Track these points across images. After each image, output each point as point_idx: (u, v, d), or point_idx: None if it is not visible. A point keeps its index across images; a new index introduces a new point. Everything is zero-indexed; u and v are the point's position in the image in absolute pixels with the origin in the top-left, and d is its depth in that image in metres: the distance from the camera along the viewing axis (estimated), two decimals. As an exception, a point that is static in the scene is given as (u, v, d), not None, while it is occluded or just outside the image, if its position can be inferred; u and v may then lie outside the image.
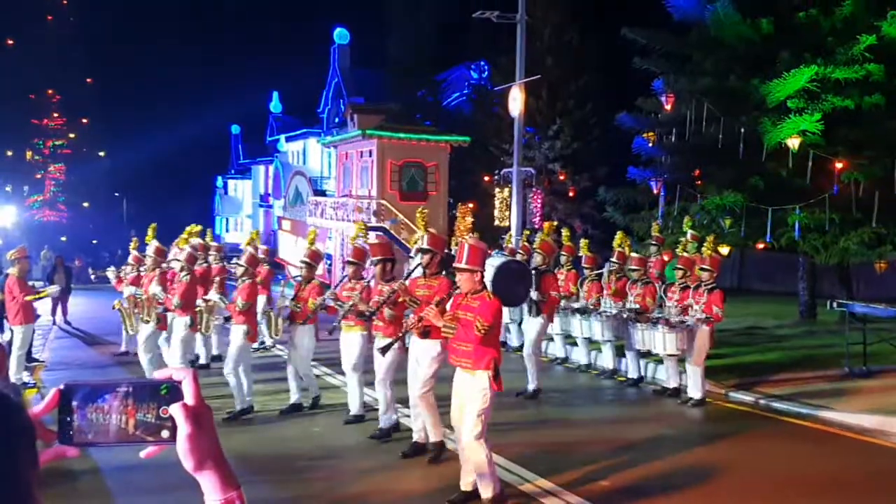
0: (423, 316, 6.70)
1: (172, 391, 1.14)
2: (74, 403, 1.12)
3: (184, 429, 1.13)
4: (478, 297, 6.52)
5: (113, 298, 12.58)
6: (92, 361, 14.01)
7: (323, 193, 33.92)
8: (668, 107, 18.71)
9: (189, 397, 1.14)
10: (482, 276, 6.55)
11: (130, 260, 13.25)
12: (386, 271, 8.66)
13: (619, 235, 13.31)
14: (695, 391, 10.38)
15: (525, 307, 11.60)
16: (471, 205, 10.45)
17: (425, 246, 7.94)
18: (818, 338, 14.71)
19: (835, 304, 12.75)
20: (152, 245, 11.16)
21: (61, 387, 1.12)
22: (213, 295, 10.86)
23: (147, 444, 1.14)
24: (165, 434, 1.14)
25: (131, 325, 11.37)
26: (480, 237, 15.07)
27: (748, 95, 16.73)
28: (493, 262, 11.35)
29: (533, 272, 10.96)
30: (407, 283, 7.94)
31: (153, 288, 10.68)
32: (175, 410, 1.13)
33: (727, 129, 16.43)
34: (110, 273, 13.90)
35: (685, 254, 11.26)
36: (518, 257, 12.41)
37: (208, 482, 1.18)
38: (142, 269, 12.22)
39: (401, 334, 7.67)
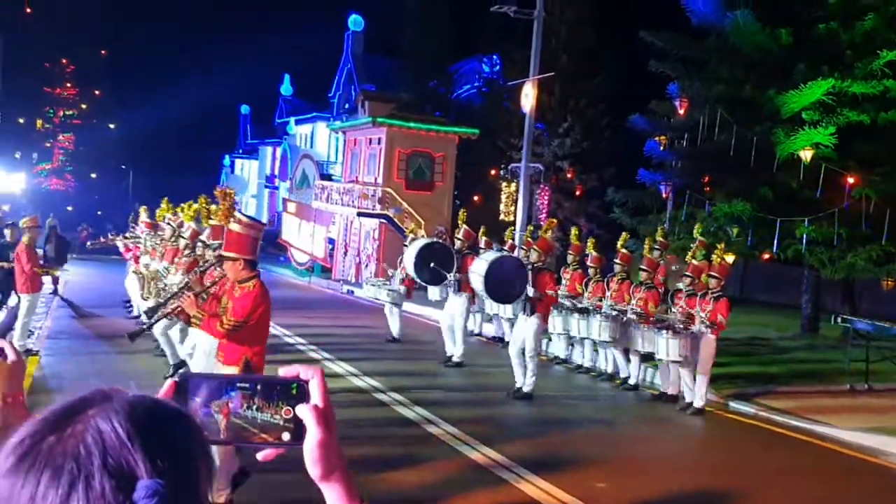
0: (180, 303, 6.33)
1: (301, 390, 1.05)
2: (198, 399, 1.03)
3: (316, 434, 1.04)
4: (243, 286, 6.01)
5: (115, 269, 12.59)
6: (91, 332, 13.97)
7: (329, 178, 33.88)
8: (681, 111, 18.61)
9: (318, 398, 1.06)
10: (246, 265, 5.99)
11: (137, 232, 13.28)
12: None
13: (623, 236, 13.26)
14: (697, 399, 10.33)
15: (519, 305, 11.41)
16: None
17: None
18: (820, 352, 14.68)
19: (838, 320, 12.71)
20: (188, 228, 10.74)
21: (176, 378, 1.04)
22: (157, 264, 10.82)
23: (268, 446, 1.05)
24: (287, 437, 1.04)
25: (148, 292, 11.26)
26: (486, 231, 15.13)
27: (763, 105, 16.65)
28: (487, 258, 11.31)
29: (529, 269, 10.83)
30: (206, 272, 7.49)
31: (157, 265, 10.64)
32: (305, 413, 1.04)
33: (739, 138, 16.34)
34: (119, 242, 13.95)
35: (694, 261, 11.20)
36: (519, 253, 12.33)
37: (334, 493, 1.09)
38: (154, 239, 12.18)
39: (152, 321, 7.06)
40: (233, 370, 5.98)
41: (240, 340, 6.01)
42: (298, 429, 1.04)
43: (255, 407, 1.04)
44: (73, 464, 0.79)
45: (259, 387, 1.05)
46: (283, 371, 1.08)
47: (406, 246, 14.59)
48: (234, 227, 6.22)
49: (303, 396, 1.05)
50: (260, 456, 1.08)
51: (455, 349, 12.81)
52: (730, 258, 15.19)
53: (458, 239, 13.76)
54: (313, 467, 1.06)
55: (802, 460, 8.63)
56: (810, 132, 15.39)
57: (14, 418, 1.91)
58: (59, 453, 0.80)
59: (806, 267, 17.16)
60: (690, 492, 7.35)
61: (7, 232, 13.20)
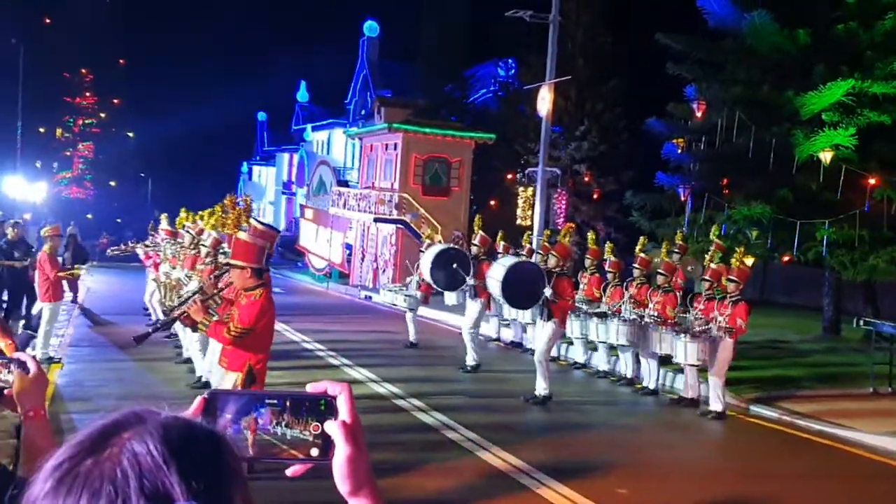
0: (185, 309, 6.44)
1: (329, 406, 1.06)
2: (227, 416, 1.04)
3: (345, 449, 1.04)
4: (249, 294, 6.11)
5: (135, 276, 12.66)
6: (111, 340, 14.07)
7: (346, 184, 33.99)
8: (699, 114, 18.53)
9: (346, 414, 1.06)
10: (253, 273, 6.09)
11: (157, 239, 13.39)
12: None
13: (641, 241, 13.20)
14: (716, 404, 10.25)
15: (537, 309, 11.36)
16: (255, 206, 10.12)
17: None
18: (842, 355, 14.53)
19: (861, 322, 12.58)
20: (210, 237, 10.75)
21: (205, 395, 1.05)
22: (178, 272, 10.89)
23: (296, 462, 1.06)
24: (315, 452, 1.05)
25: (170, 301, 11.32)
26: (504, 236, 15.11)
27: (781, 106, 16.52)
28: (505, 263, 11.30)
29: (547, 274, 10.75)
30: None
31: (178, 272, 10.70)
32: (333, 429, 1.05)
33: (758, 140, 16.23)
34: (139, 249, 14.06)
35: (712, 264, 11.12)
36: (536, 258, 12.30)
37: None
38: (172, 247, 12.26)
39: (158, 325, 7.19)
40: (236, 376, 6.08)
41: (244, 347, 6.10)
42: (326, 444, 1.05)
43: (283, 423, 1.04)
44: (111, 487, 0.81)
45: (288, 403, 1.05)
46: (311, 387, 1.08)
47: (423, 252, 14.61)
48: (242, 235, 6.35)
49: (331, 412, 1.06)
50: (289, 472, 1.08)
51: (469, 354, 12.78)
52: (749, 261, 15.09)
53: (475, 245, 13.76)
54: (342, 483, 1.06)
55: (826, 465, 8.54)
56: (830, 133, 15.26)
57: (36, 433, 1.91)
58: (97, 476, 0.82)
59: (827, 269, 17.00)
60: (713, 497, 7.30)
61: (9, 231, 13.37)
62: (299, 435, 1.05)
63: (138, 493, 0.81)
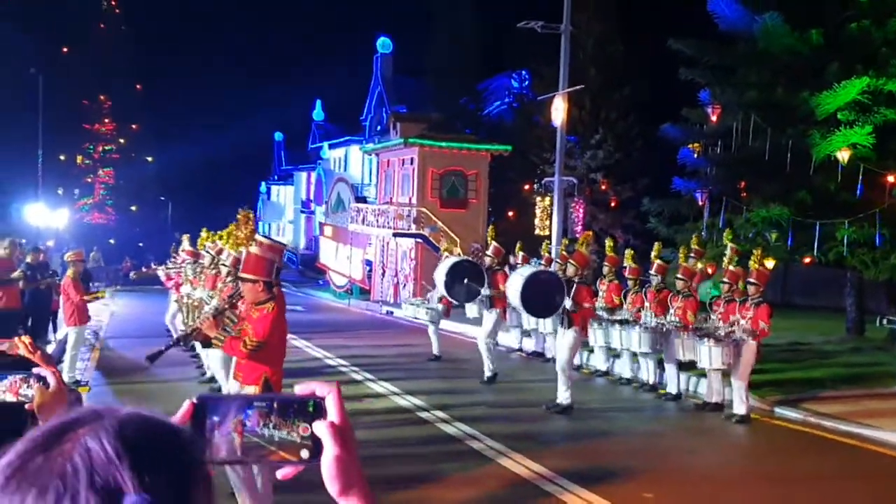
0: (198, 325, 6.42)
1: (317, 408, 1.05)
2: (215, 419, 1.02)
3: (332, 450, 1.03)
4: (260, 308, 6.15)
5: (158, 299, 12.80)
6: (135, 362, 14.20)
7: (364, 200, 34.19)
8: (713, 118, 18.48)
9: (334, 415, 1.05)
10: (264, 287, 6.12)
11: (178, 261, 13.56)
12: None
13: (656, 246, 13.19)
14: (739, 407, 10.21)
15: (558, 318, 11.35)
16: (244, 212, 10.24)
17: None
18: (866, 354, 14.42)
19: (884, 321, 12.49)
20: (229, 255, 10.79)
21: (194, 400, 1.03)
22: (200, 292, 10.97)
23: (286, 464, 1.04)
24: (305, 454, 1.03)
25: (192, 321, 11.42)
26: (523, 246, 15.15)
27: (796, 107, 16.47)
28: (523, 272, 11.33)
29: (566, 283, 10.76)
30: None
31: (200, 293, 10.82)
32: (321, 429, 1.04)
33: (774, 142, 16.18)
34: (160, 271, 14.22)
35: (731, 268, 11.10)
36: (555, 267, 12.32)
37: None
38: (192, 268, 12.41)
39: (170, 344, 6.94)
40: (252, 390, 6.11)
41: (259, 360, 6.16)
42: (317, 446, 1.04)
43: (271, 425, 1.04)
44: (59, 482, 0.79)
45: (275, 405, 1.05)
46: (300, 388, 1.08)
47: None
48: (254, 249, 6.42)
49: (319, 413, 1.05)
50: (279, 474, 1.08)
51: (485, 364, 12.79)
52: (770, 263, 15.02)
53: (488, 255, 13.80)
54: (331, 483, 1.05)
55: (852, 465, 8.48)
56: (847, 132, 15.18)
57: None
58: (46, 472, 0.80)
59: (848, 269, 16.88)
60: (739, 501, 7.28)
61: (29, 256, 13.61)
62: (287, 437, 1.04)
63: (87, 489, 0.79)
